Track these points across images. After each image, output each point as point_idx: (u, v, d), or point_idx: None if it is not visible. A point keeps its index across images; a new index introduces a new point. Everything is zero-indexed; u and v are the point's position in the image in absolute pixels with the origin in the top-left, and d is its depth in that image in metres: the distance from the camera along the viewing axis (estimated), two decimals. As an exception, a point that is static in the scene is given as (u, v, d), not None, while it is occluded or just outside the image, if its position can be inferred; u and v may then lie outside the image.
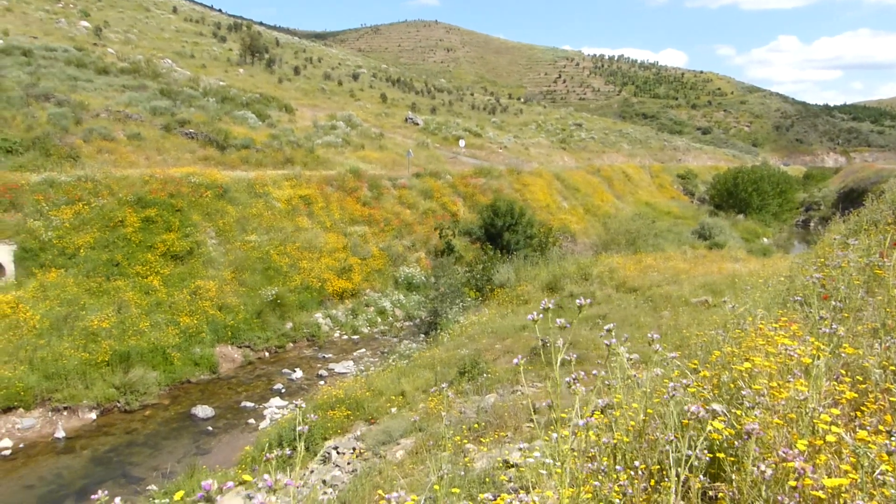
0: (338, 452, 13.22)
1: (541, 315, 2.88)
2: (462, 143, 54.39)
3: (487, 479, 6.86)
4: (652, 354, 3.66)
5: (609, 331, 3.21)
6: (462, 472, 7.12)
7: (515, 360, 3.11)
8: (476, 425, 10.13)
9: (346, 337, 24.74)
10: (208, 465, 14.20)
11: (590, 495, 2.97)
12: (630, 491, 2.93)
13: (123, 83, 46.62)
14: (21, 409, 16.26)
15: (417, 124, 62.90)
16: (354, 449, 12.93)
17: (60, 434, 16.09)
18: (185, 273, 23.11)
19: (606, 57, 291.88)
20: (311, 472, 12.79)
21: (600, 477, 3.14)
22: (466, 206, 36.67)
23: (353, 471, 12.24)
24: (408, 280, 29.22)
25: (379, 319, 26.38)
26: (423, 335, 24.00)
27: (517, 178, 42.87)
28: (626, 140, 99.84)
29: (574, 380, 2.94)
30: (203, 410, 17.64)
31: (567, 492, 2.69)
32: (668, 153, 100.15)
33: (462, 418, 11.25)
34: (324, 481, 12.09)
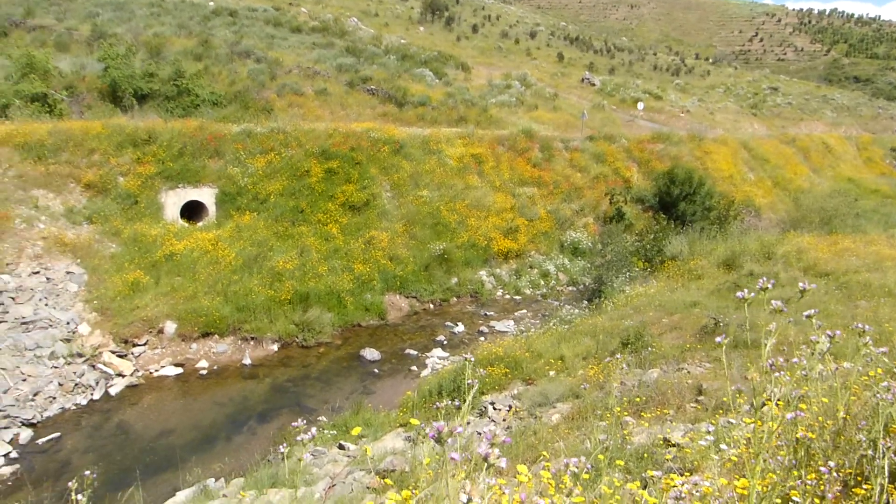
0: (494, 408, 13.48)
1: (752, 294, 2.66)
2: (640, 105, 52.08)
3: (646, 456, 6.68)
4: (855, 348, 3.31)
5: (809, 317, 2.90)
6: (619, 445, 6.99)
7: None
8: (637, 399, 9.87)
9: (507, 296, 24.98)
10: (373, 404, 15.08)
11: (765, 489, 2.77)
12: (820, 492, 2.68)
13: (313, 41, 49.41)
14: (216, 336, 18.19)
15: (594, 85, 61.04)
16: (511, 407, 13.12)
17: (247, 361, 17.82)
18: (361, 223, 24.39)
19: (815, 11, 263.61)
20: (468, 423, 13.19)
21: (782, 473, 2.93)
22: (641, 172, 35.24)
23: (507, 427, 12.44)
24: (574, 245, 28.80)
25: (542, 282, 26.33)
26: (585, 302, 23.64)
27: (698, 145, 40.41)
28: (830, 107, 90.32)
29: (772, 365, 2.73)
30: (370, 353, 18.70)
31: (758, 482, 2.51)
32: (882, 123, 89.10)
33: (622, 390, 11.00)
34: (479, 433, 12.45)
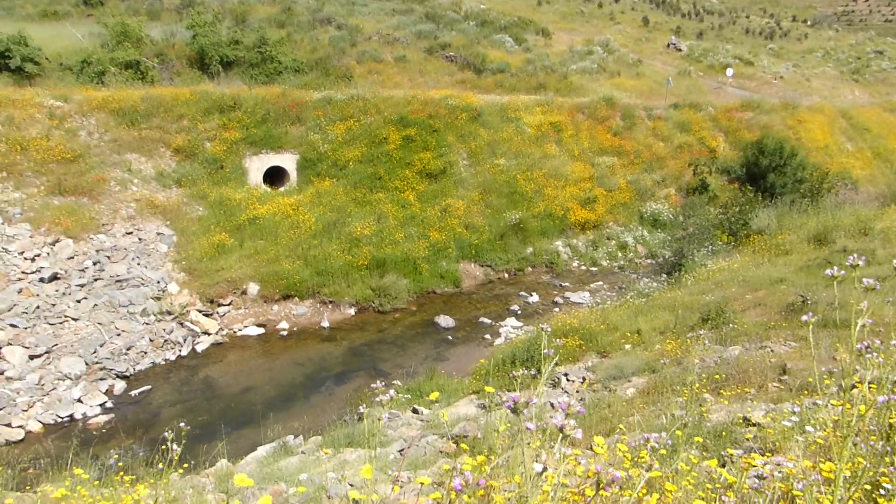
0: (567, 379, 13.38)
1: (843, 271, 2.49)
2: (730, 71, 49.68)
3: (724, 434, 6.49)
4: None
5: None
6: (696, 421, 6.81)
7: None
8: (717, 376, 9.57)
9: (583, 267, 24.62)
10: (446, 370, 15.23)
11: (854, 474, 2.62)
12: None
13: (393, 7, 49.32)
14: (296, 298, 18.74)
15: (680, 50, 58.64)
16: (584, 379, 12.99)
17: (325, 324, 18.30)
18: (437, 191, 24.44)
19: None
20: (542, 393, 13.16)
21: (873, 459, 2.76)
22: (728, 141, 33.76)
23: (581, 399, 12.34)
24: (654, 216, 28.00)
25: (619, 254, 25.79)
26: (664, 275, 23.03)
27: (791, 114, 38.30)
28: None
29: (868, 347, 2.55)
30: (445, 320, 18.85)
31: (845, 466, 2.38)
32: None
33: (701, 367, 10.70)
34: (552, 404, 12.37)
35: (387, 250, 20.82)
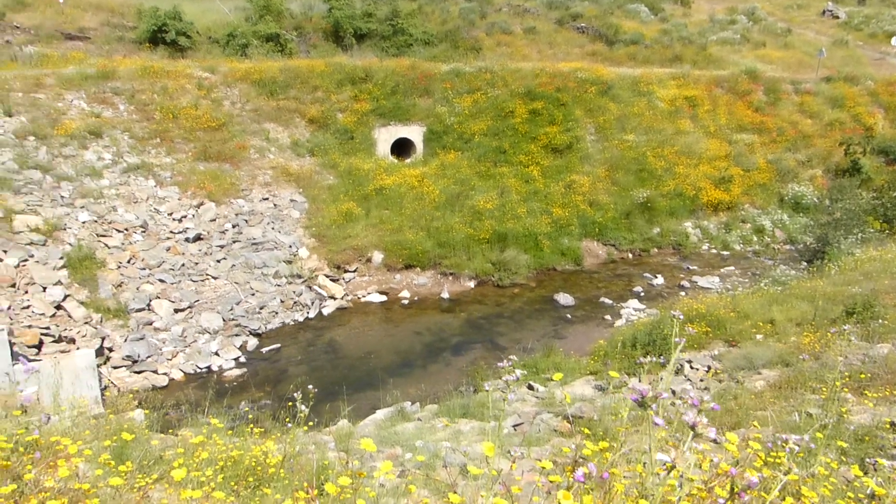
0: (691, 367, 12.86)
1: None
2: (895, 40, 45.13)
3: (867, 439, 6.00)
4: None
5: None
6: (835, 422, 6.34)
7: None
8: (861, 375, 8.84)
9: (714, 251, 23.44)
10: (563, 349, 15.05)
11: None
12: None
13: (524, -22, 48.42)
14: (418, 269, 19.12)
15: (837, 17, 53.84)
16: (710, 368, 12.43)
17: (445, 295, 18.57)
18: (562, 166, 24.01)
19: None
20: (661, 379, 12.74)
21: None
22: (888, 119, 30.79)
23: (705, 388, 11.83)
24: (795, 199, 26.12)
25: (754, 238, 24.31)
26: (804, 263, 21.50)
27: (966, 89, 34.32)
28: None
29: None
30: (564, 298, 18.60)
31: None
32: None
33: (844, 363, 9.92)
34: (673, 392, 11.95)
35: (508, 225, 20.74)
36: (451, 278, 19.22)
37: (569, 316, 17.82)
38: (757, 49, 39.77)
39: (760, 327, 13.81)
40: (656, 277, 20.57)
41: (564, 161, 24.21)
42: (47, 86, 19.06)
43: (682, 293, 18.91)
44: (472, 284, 19.24)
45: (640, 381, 12.93)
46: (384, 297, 18.16)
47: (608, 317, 17.73)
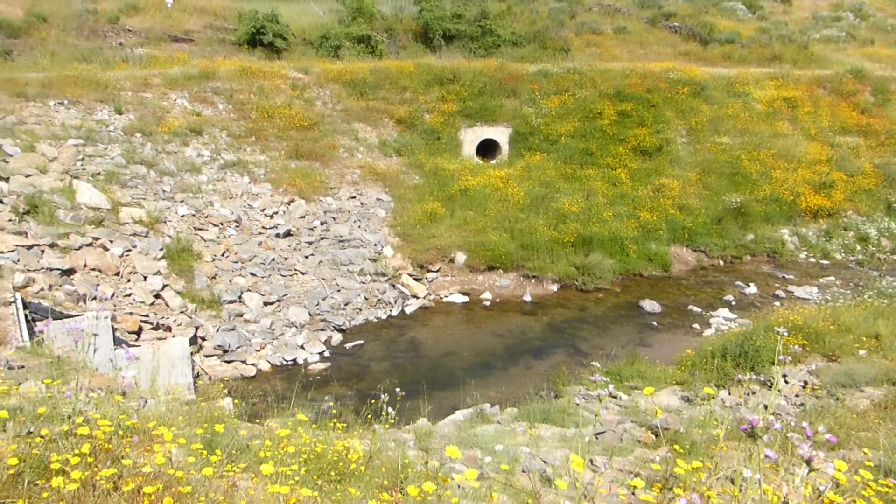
0: (786, 381, 12.27)
1: None
2: None
3: None
4: None
5: None
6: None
7: None
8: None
9: (812, 260, 22.27)
10: (648, 357, 14.64)
11: None
12: None
13: (616, -24, 47.48)
14: (500, 270, 19.05)
15: (955, 15, 50.12)
16: (806, 383, 11.82)
17: (527, 298, 18.43)
18: (651, 169, 23.39)
19: None
20: (753, 393, 12.19)
21: None
22: None
23: (800, 405, 11.27)
24: (905, 207, 24.50)
25: (857, 247, 22.95)
26: (913, 275, 20.15)
27: None
28: None
29: None
30: (650, 305, 18.12)
31: None
32: None
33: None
34: (765, 406, 11.43)
35: (594, 228, 20.38)
36: (533, 281, 19.06)
37: (654, 323, 17.34)
38: (864, 47, 37.52)
39: (864, 342, 13.02)
40: (749, 286, 19.74)
41: (653, 164, 23.58)
42: (154, 85, 20.11)
43: (777, 303, 18.08)
44: (555, 288, 19.02)
45: (729, 393, 12.41)
46: (466, 298, 18.20)
47: (696, 325, 17.15)
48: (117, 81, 19.41)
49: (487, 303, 18.11)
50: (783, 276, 20.67)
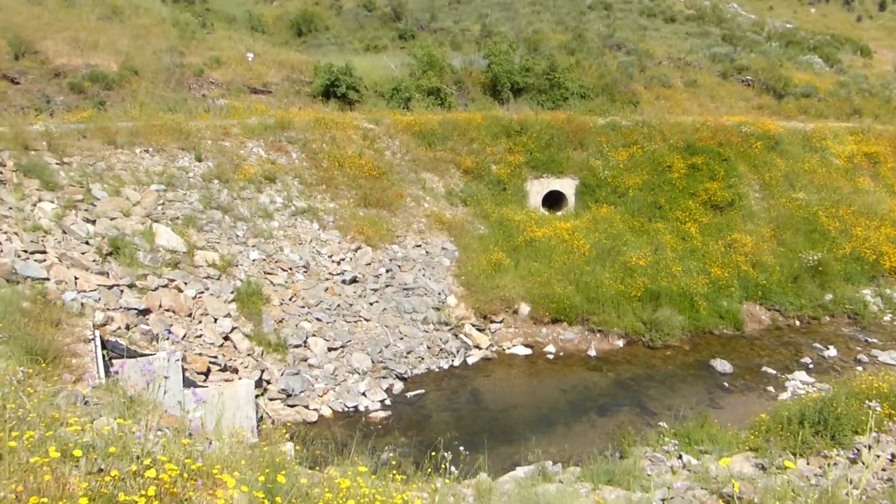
0: (869, 451, 11.49)
1: None
2: None
3: None
4: None
5: None
6: None
7: None
8: None
9: (898, 323, 21.12)
10: (720, 419, 14.00)
11: None
12: None
13: (687, 30, 47.58)
14: (565, 323, 18.75)
15: None
16: (894, 456, 11.04)
17: (592, 352, 18.03)
18: (722, 224, 22.83)
19: None
20: (834, 464, 11.46)
21: None
22: None
23: (887, 479, 10.51)
24: None
25: (952, 310, 21.66)
26: None
27: None
28: None
29: None
30: (721, 364, 17.45)
31: None
32: None
33: None
34: (849, 480, 10.71)
35: (662, 283, 19.90)
36: (598, 335, 18.67)
37: (726, 384, 16.66)
38: (952, 102, 36.06)
39: (957, 415, 12.12)
40: (828, 348, 18.81)
41: (725, 218, 23.01)
42: (233, 134, 21.00)
43: (859, 368, 17.12)
44: (620, 343, 18.57)
45: (807, 463, 11.72)
46: (529, 350, 17.94)
47: (771, 388, 16.38)
48: (199, 130, 20.36)
49: (551, 356, 17.80)
50: (866, 340, 19.63)
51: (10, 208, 14.15)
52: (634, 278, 19.83)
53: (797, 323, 20.73)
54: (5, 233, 13.32)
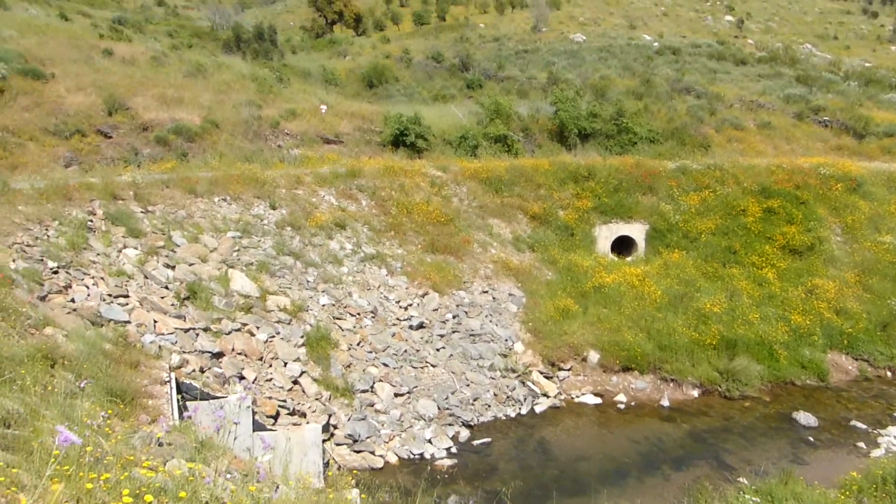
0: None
1: None
2: None
3: None
4: None
5: None
6: None
7: None
8: None
9: None
10: (805, 477, 13.21)
11: None
12: None
13: (759, 72, 46.71)
14: (636, 372, 18.21)
15: None
16: None
17: (665, 402, 17.39)
18: (802, 269, 21.92)
19: None
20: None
21: None
22: None
23: None
24: None
25: None
26: None
27: None
28: None
29: None
30: (805, 418, 16.53)
31: None
32: None
33: None
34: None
35: (738, 330, 19.14)
36: (672, 384, 18.03)
37: (811, 438, 15.75)
38: None
39: None
40: (924, 403, 17.60)
41: (805, 263, 22.09)
42: (305, 183, 21.67)
43: (960, 425, 15.93)
44: (695, 393, 17.86)
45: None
46: (599, 400, 17.46)
47: (861, 444, 15.39)
48: (274, 179, 21.10)
49: (622, 405, 17.26)
50: (966, 393, 18.29)
51: (98, 254, 14.92)
52: (709, 325, 19.16)
53: (888, 374, 19.52)
54: (92, 277, 14.02)
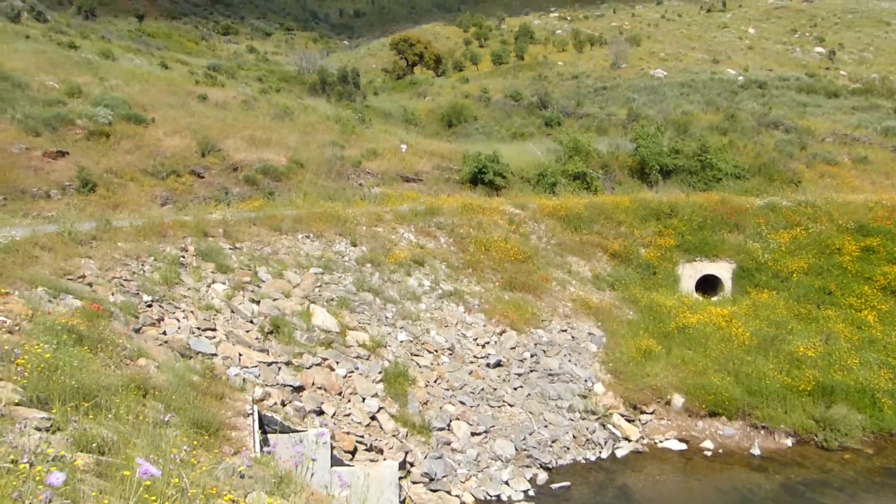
0: None
1: None
2: None
3: None
4: None
5: None
6: None
7: None
8: None
9: None
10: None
11: None
12: None
13: (853, 105, 44.80)
14: (724, 417, 17.36)
15: None
16: None
17: (756, 451, 16.48)
18: (906, 312, 20.55)
19: None
20: None
21: None
22: None
23: None
24: None
25: None
26: None
27: None
28: None
29: None
30: (913, 473, 15.32)
31: None
32: None
33: None
34: None
35: (836, 376, 18.02)
36: (763, 432, 17.08)
37: (920, 496, 14.54)
38: None
39: None
40: None
41: (908, 306, 20.72)
42: (385, 220, 22.08)
43: None
44: (789, 442, 16.85)
45: None
46: (684, 446, 16.71)
47: (981, 505, 14.09)
48: (355, 217, 21.60)
49: (709, 453, 16.46)
50: None
51: (189, 289, 15.57)
52: (803, 370, 18.12)
53: None
54: (183, 311, 14.62)
